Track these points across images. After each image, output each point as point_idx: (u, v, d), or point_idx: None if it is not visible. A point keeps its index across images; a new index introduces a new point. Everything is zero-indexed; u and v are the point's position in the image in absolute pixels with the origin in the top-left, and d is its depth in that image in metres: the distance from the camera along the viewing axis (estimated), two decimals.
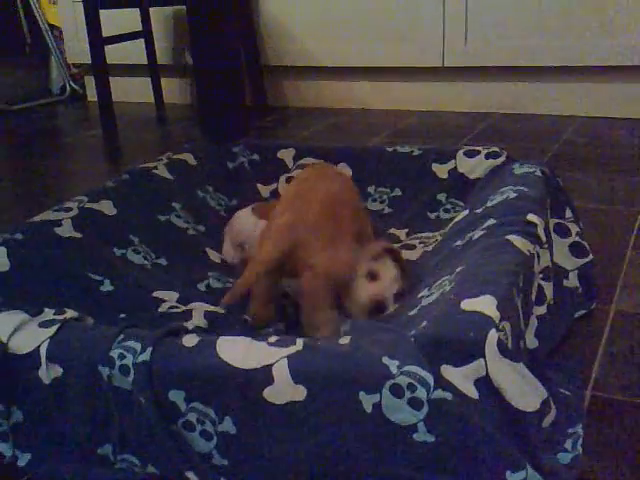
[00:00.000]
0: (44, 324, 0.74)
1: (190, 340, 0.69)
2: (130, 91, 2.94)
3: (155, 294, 1.00)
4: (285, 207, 1.01)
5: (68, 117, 2.94)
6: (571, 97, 2.25)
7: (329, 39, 2.51)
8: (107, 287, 0.98)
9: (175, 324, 0.75)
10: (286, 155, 1.47)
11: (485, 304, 0.70)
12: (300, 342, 0.67)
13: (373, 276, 0.96)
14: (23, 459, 0.74)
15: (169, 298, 0.99)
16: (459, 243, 0.97)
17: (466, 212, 1.12)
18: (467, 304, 0.71)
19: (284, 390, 0.64)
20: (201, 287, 1.09)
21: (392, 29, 2.40)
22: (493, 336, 0.66)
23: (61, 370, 0.71)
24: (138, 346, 0.68)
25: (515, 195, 1.02)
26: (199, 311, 0.93)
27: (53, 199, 1.74)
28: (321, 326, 0.88)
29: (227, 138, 1.64)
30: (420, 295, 0.88)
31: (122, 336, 0.70)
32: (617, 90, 2.19)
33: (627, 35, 2.09)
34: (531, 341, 0.87)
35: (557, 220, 1.12)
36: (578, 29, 2.15)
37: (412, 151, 1.39)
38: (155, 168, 1.30)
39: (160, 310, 0.96)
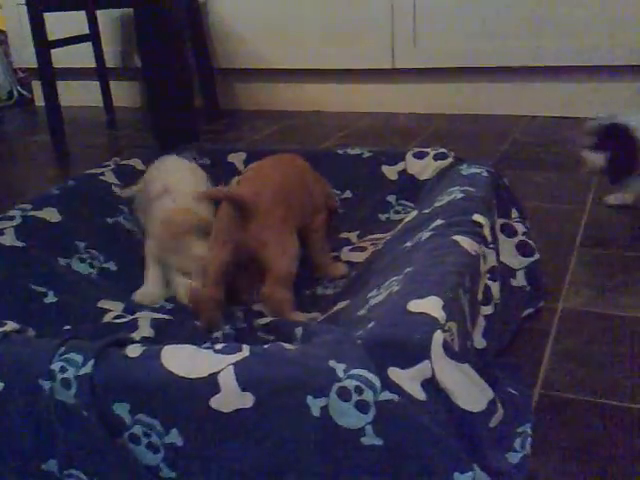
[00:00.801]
0: None
1: (134, 350, 0.67)
2: (79, 95, 2.89)
3: (100, 304, 0.98)
4: (242, 188, 1.04)
5: (16, 122, 2.88)
6: (518, 97, 2.28)
7: (280, 41, 2.50)
8: (51, 299, 0.96)
9: (119, 334, 0.73)
10: (236, 159, 1.46)
11: (431, 305, 0.71)
12: (246, 348, 0.66)
13: None
14: None
15: (115, 308, 0.97)
16: (408, 244, 0.98)
17: (415, 213, 1.13)
18: (413, 305, 0.71)
19: (231, 398, 0.63)
20: None
21: (343, 31, 2.41)
22: (439, 337, 0.66)
23: (2, 384, 0.69)
24: (80, 358, 0.66)
25: (462, 195, 1.03)
26: (145, 319, 0.92)
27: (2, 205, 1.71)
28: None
29: (177, 142, 1.62)
30: (369, 295, 0.88)
31: (63, 348, 0.68)
32: (563, 90, 2.23)
33: (566, 37, 2.14)
34: (479, 341, 0.88)
35: (504, 220, 1.14)
36: (522, 31, 2.19)
37: (362, 153, 1.40)
38: (102, 174, 1.28)
39: (105, 320, 0.94)
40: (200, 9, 2.50)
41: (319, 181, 1.16)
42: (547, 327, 1.02)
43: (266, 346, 0.69)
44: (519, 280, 1.10)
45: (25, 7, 2.30)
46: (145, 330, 0.89)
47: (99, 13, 2.63)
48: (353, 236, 1.27)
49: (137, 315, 0.93)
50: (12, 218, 1.06)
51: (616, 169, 1.31)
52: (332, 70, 2.49)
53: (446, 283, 0.76)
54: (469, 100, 2.35)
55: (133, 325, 0.89)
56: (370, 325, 0.71)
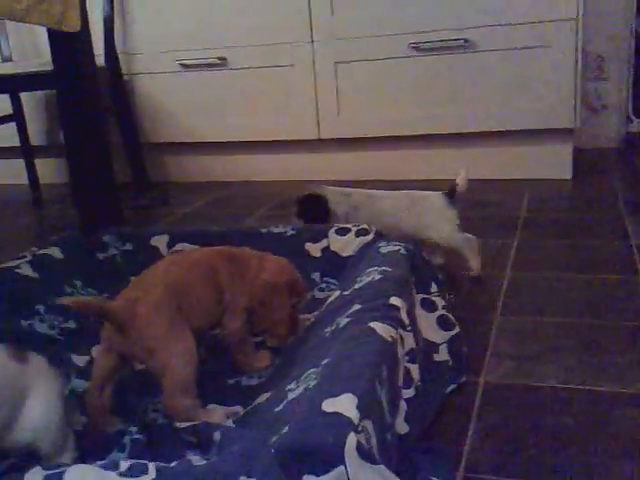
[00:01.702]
0: None
1: (34, 476, 0.64)
2: (4, 173, 2.84)
3: None
4: (133, 286, 0.99)
5: None
6: (440, 162, 2.35)
7: (207, 115, 2.53)
8: None
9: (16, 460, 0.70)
10: (160, 242, 1.45)
11: (345, 404, 0.70)
12: (153, 468, 0.64)
13: None
14: None
15: None
16: (329, 329, 0.98)
17: (337, 293, 1.14)
18: (328, 404, 0.71)
19: None
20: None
21: (268, 104, 2.45)
22: (352, 440, 0.66)
23: None
24: None
25: (380, 277, 1.04)
26: None
27: None
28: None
29: (101, 219, 1.60)
30: (287, 388, 0.88)
31: None
32: (484, 153, 2.31)
33: (485, 102, 2.23)
34: (401, 426, 0.88)
35: (423, 295, 1.15)
36: (438, 98, 2.27)
37: (286, 231, 1.41)
38: (18, 267, 1.25)
39: None
40: (125, 86, 2.51)
41: (246, 283, 1.07)
42: (469, 403, 1.02)
43: (174, 464, 0.67)
44: (442, 354, 1.11)
45: None
46: None
47: (23, 93, 2.61)
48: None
49: None
50: None
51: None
52: (260, 142, 2.52)
53: (361, 377, 0.76)
54: (393, 166, 2.40)
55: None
56: (284, 430, 0.69)
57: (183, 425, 0.86)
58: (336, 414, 0.69)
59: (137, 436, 0.87)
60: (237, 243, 1.39)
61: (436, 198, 1.50)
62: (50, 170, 2.79)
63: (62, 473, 0.65)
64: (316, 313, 1.18)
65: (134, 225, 1.89)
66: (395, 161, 2.40)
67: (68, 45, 1.51)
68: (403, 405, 0.90)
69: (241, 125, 2.50)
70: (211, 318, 1.01)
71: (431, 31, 2.19)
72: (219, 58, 2.44)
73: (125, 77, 2.52)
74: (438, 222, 1.48)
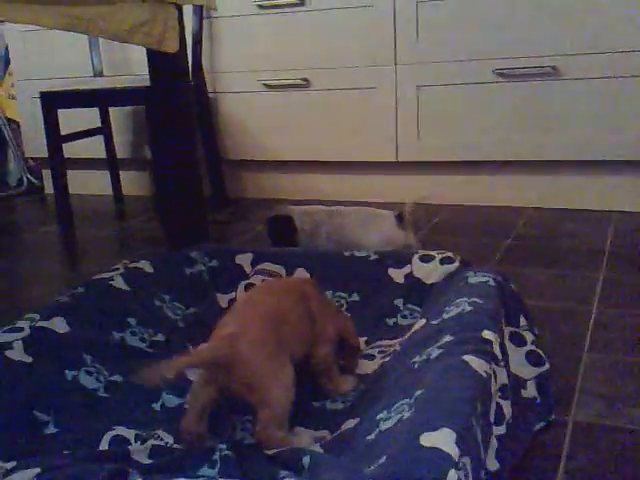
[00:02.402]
0: None
1: None
2: (89, 184, 2.95)
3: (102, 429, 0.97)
4: (229, 319, 0.99)
5: (25, 211, 2.92)
6: (521, 189, 2.32)
7: (285, 134, 2.56)
8: (51, 430, 0.95)
9: (117, 466, 0.71)
10: (244, 260, 1.47)
11: (444, 439, 0.70)
12: None
13: None
14: None
15: (118, 433, 0.96)
16: (417, 359, 0.97)
17: (423, 322, 1.13)
18: (426, 439, 0.70)
19: None
20: (156, 407, 1.07)
21: (347, 125, 2.47)
22: (453, 476, 0.65)
23: None
24: None
25: (470, 308, 1.03)
26: (144, 450, 0.89)
27: (7, 304, 1.71)
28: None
29: (187, 234, 1.64)
30: (379, 417, 0.87)
31: None
32: (566, 182, 2.27)
33: (571, 131, 2.19)
34: (492, 463, 0.86)
35: (512, 329, 1.13)
36: (521, 124, 2.24)
37: (369, 255, 1.41)
38: (111, 279, 1.29)
39: (101, 448, 0.92)
40: (210, 104, 2.57)
41: (331, 313, 1.10)
42: (559, 443, 1.00)
43: None
44: (530, 391, 1.08)
45: (38, 100, 2.37)
46: (141, 458, 0.86)
47: (112, 107, 2.71)
48: (361, 342, 1.26)
49: (135, 447, 0.90)
50: (20, 330, 1.07)
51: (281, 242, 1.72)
52: (337, 162, 2.54)
53: (458, 412, 0.75)
54: (471, 192, 2.38)
55: (126, 455, 0.87)
56: (382, 460, 0.69)
57: (271, 452, 0.86)
58: (435, 449, 0.68)
59: (227, 452, 0.88)
60: (319, 264, 1.42)
61: (388, 218, 1.66)
62: (133, 183, 2.88)
63: None
64: (400, 340, 1.18)
65: (213, 240, 1.93)
66: (473, 186, 2.38)
67: (165, 64, 1.56)
68: (494, 442, 0.88)
69: (319, 145, 2.52)
70: (305, 346, 1.02)
71: (517, 57, 2.17)
72: (302, 79, 2.47)
73: (210, 95, 2.58)
74: (386, 239, 1.63)
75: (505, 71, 2.20)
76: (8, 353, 1.01)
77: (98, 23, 1.21)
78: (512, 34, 2.17)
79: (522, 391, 1.07)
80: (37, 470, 0.69)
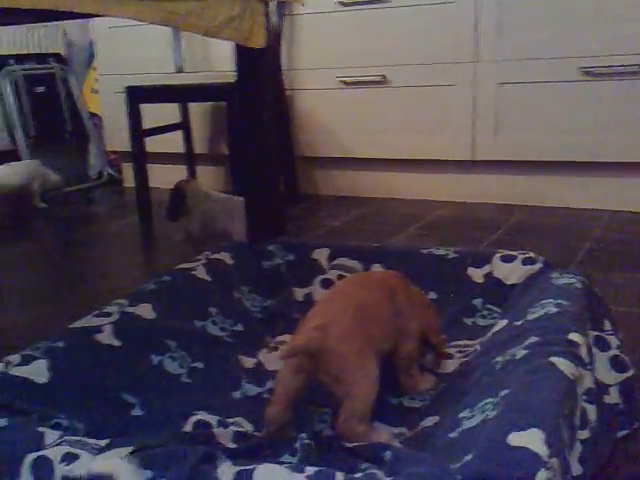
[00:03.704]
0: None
1: (226, 472, 0.67)
2: (167, 178, 3.01)
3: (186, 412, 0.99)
4: (319, 311, 1.00)
5: (105, 203, 3.02)
6: (600, 192, 2.25)
7: (360, 132, 2.57)
8: (137, 412, 0.98)
9: (203, 449, 0.72)
10: (321, 255, 1.48)
11: (533, 439, 0.69)
12: (341, 477, 0.66)
13: None
14: None
15: (201, 417, 0.98)
16: (499, 359, 0.96)
17: (505, 322, 1.11)
18: (514, 438, 0.69)
19: None
20: (236, 395, 1.09)
21: (424, 123, 2.45)
22: (542, 476, 0.64)
23: None
24: None
25: (556, 310, 1.01)
26: (227, 433, 0.91)
27: (92, 290, 1.78)
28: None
29: (264, 232, 1.66)
30: (461, 415, 0.87)
31: (152, 473, 0.68)
32: None
33: None
34: (575, 467, 0.84)
35: (596, 333, 1.10)
36: (605, 126, 2.17)
37: (447, 254, 1.39)
38: (194, 269, 1.32)
39: (185, 429, 0.94)
40: (287, 101, 2.60)
41: (417, 308, 1.09)
42: None
43: (359, 475, 0.68)
44: (613, 397, 1.05)
45: (121, 95, 2.45)
46: (226, 441, 0.88)
47: (191, 104, 2.77)
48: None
49: (218, 431, 0.92)
50: (109, 314, 1.11)
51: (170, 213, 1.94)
52: (411, 160, 2.52)
53: (547, 413, 0.74)
54: (548, 192, 2.33)
55: (211, 438, 0.89)
56: (468, 458, 0.69)
57: (351, 445, 0.87)
58: (524, 449, 0.67)
59: (307, 442, 0.89)
60: (397, 261, 1.41)
61: (241, 204, 1.71)
62: (210, 177, 2.93)
63: (252, 470, 0.67)
64: (480, 340, 1.17)
65: (287, 235, 1.96)
66: (549, 187, 2.33)
67: (251, 59, 1.58)
68: (578, 446, 0.86)
69: (395, 143, 2.52)
70: (391, 341, 1.02)
71: (604, 56, 2.11)
72: (380, 76, 2.47)
73: (287, 92, 2.61)
74: (237, 223, 1.76)
75: (591, 69, 2.14)
76: (98, 337, 1.04)
77: (191, 18, 1.24)
78: (599, 32, 2.11)
79: (605, 397, 1.05)
80: (130, 449, 0.71)
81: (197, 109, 2.84)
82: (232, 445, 0.89)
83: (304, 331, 0.94)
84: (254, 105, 1.69)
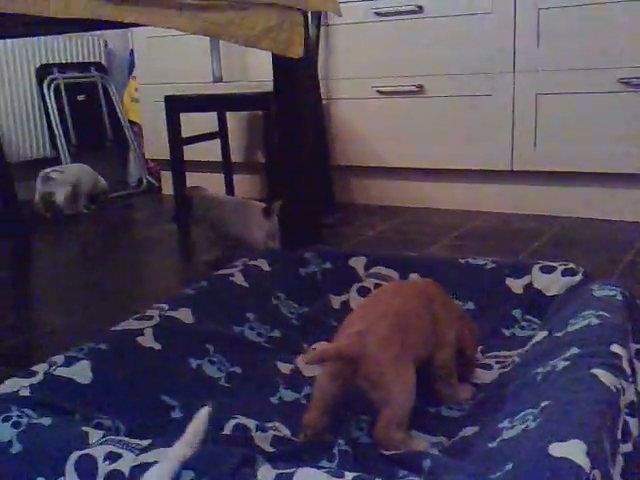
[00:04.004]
0: None
1: (266, 475, 0.68)
2: (203, 186, 3.05)
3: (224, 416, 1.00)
4: (357, 317, 1.01)
5: (144, 210, 3.06)
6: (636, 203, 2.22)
7: (398, 141, 2.57)
8: (177, 414, 0.99)
9: (244, 451, 0.73)
10: (357, 263, 1.49)
11: (575, 450, 0.68)
12: None
13: None
14: None
15: (240, 421, 0.99)
16: (540, 370, 0.95)
17: (545, 333, 1.10)
18: (555, 449, 0.69)
19: None
20: (274, 400, 1.09)
21: (461, 133, 2.44)
22: None
23: None
24: None
25: (598, 322, 1.00)
26: (266, 438, 0.92)
27: (131, 296, 1.81)
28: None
29: (300, 240, 1.68)
30: (500, 425, 0.86)
31: (193, 474, 0.68)
32: None
33: None
34: None
35: (638, 346, 1.09)
36: None
37: (485, 264, 1.39)
38: (232, 275, 1.34)
39: (226, 430, 0.96)
40: (323, 109, 2.62)
41: (453, 317, 1.08)
42: None
43: None
44: None
45: (161, 103, 2.49)
46: (264, 445, 0.89)
47: (228, 112, 2.80)
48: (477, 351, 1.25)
49: (257, 435, 0.93)
50: (150, 318, 1.12)
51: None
52: (448, 170, 2.52)
53: (588, 424, 0.73)
54: (588, 204, 2.30)
55: (249, 441, 0.90)
56: (508, 467, 0.68)
57: (389, 453, 0.87)
58: (567, 459, 0.67)
59: (345, 448, 0.89)
60: (434, 270, 1.41)
61: (256, 209, 1.86)
62: (246, 186, 2.96)
63: (292, 473, 0.68)
64: (520, 352, 1.16)
65: (322, 243, 1.97)
66: (589, 198, 2.30)
67: (289, 69, 1.60)
68: (620, 460, 0.85)
69: (431, 152, 2.51)
70: (428, 349, 1.02)
71: None
72: (416, 86, 2.47)
73: (323, 101, 2.62)
74: (252, 227, 1.84)
75: (631, 80, 2.11)
76: (139, 339, 1.06)
77: (230, 28, 1.26)
78: (639, 42, 2.08)
79: None
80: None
81: (234, 118, 2.87)
82: (270, 449, 0.89)
83: (343, 337, 0.95)
84: (291, 114, 1.71)
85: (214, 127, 2.80)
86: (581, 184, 2.31)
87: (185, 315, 1.16)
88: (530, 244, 2.06)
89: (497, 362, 1.18)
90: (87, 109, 3.28)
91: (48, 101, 3.11)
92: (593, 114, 2.21)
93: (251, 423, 0.98)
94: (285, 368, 1.19)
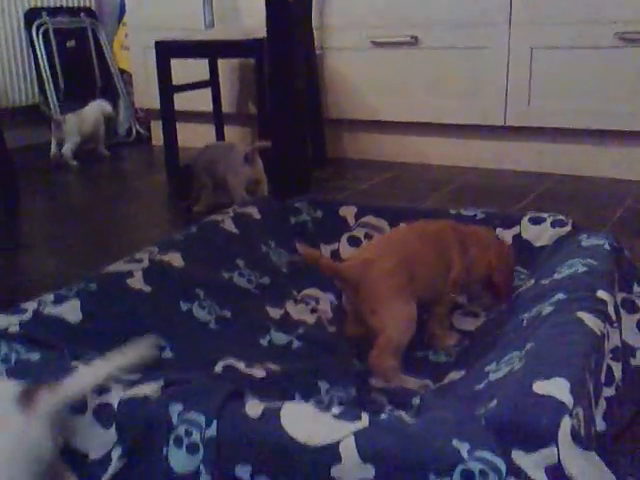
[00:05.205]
0: None
1: (254, 408, 0.69)
2: (193, 137, 3.02)
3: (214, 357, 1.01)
4: (367, 247, 1.09)
5: (133, 160, 3.03)
6: (634, 161, 2.22)
7: (390, 94, 2.54)
8: (168, 354, 1.01)
9: (232, 385, 0.74)
10: (348, 212, 1.48)
11: (558, 388, 0.69)
12: (365, 417, 0.67)
13: None
14: None
15: (229, 363, 1.00)
16: (526, 316, 0.96)
17: (532, 282, 1.11)
18: (539, 386, 0.70)
19: (352, 469, 0.64)
20: (264, 342, 1.11)
21: (454, 86, 2.42)
22: (566, 423, 0.65)
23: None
24: (202, 419, 0.68)
25: (584, 269, 1.01)
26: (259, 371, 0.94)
27: (121, 244, 1.80)
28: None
29: (290, 190, 1.67)
30: (487, 369, 0.87)
31: (182, 406, 0.69)
32: None
33: None
34: (599, 423, 0.85)
35: (624, 295, 1.10)
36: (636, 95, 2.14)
37: (475, 215, 1.39)
38: (222, 222, 1.34)
39: (216, 370, 0.97)
40: (316, 61, 2.58)
41: (467, 260, 1.09)
42: None
43: (385, 416, 0.69)
44: (639, 359, 1.05)
45: (151, 50, 2.45)
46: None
47: (220, 61, 2.75)
48: (463, 299, 1.26)
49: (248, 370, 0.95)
50: (140, 261, 1.12)
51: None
52: (440, 124, 2.50)
53: (572, 365, 0.74)
54: (580, 161, 2.30)
55: (239, 378, 0.91)
56: (493, 404, 0.70)
57: (379, 384, 0.88)
58: (549, 397, 0.68)
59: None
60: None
61: (238, 153, 1.87)
62: (237, 137, 2.93)
63: (280, 408, 0.69)
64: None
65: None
66: (582, 156, 2.30)
67: (282, 15, 1.57)
68: (603, 403, 0.87)
69: (424, 106, 2.49)
70: (435, 291, 1.04)
71: (639, 21, 2.06)
72: (411, 37, 2.43)
73: (317, 52, 2.58)
74: (234, 171, 1.86)
75: (628, 35, 2.09)
76: (129, 281, 1.06)
77: None
78: None
79: (631, 359, 1.04)
80: (161, 382, 0.73)
81: (226, 67, 2.82)
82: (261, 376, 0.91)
83: (349, 262, 0.99)
84: (284, 62, 1.68)
85: (205, 76, 2.76)
86: (574, 141, 2.30)
87: (175, 259, 1.16)
88: (520, 200, 2.06)
89: (484, 310, 1.19)
90: (77, 56, 3.21)
91: (37, 46, 3.04)
92: (588, 70, 2.19)
93: (240, 364, 0.99)
94: (275, 312, 1.20)
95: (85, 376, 0.72)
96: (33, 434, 0.67)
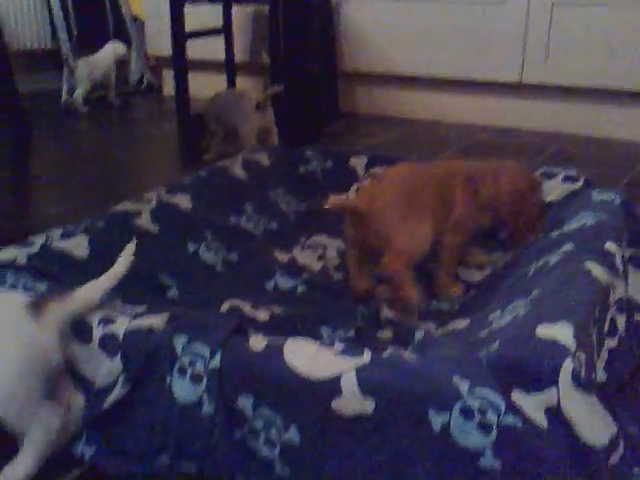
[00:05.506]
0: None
1: (257, 342, 0.69)
2: (205, 86, 2.99)
3: (220, 297, 1.02)
4: (371, 182, 1.10)
5: (144, 109, 3.02)
6: None
7: (407, 47, 2.50)
8: (174, 293, 1.02)
9: (238, 319, 0.75)
10: (358, 163, 1.48)
11: (562, 331, 0.69)
12: (367, 353, 0.67)
13: None
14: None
15: (235, 304, 1.01)
16: (532, 266, 0.96)
17: (540, 235, 1.11)
18: (543, 330, 0.70)
19: (352, 402, 0.64)
20: (269, 286, 1.11)
21: (472, 41, 2.38)
22: (568, 365, 0.65)
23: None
24: (206, 351, 0.69)
25: (593, 222, 1.00)
26: (264, 313, 0.95)
27: (130, 188, 1.80)
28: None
29: (299, 140, 1.66)
30: (491, 316, 0.87)
31: (186, 338, 0.70)
32: None
33: None
34: (601, 374, 0.85)
35: (633, 250, 1.09)
36: None
37: None
38: (231, 167, 1.33)
39: (222, 310, 0.98)
40: (332, 10, 2.53)
41: (476, 202, 1.08)
42: None
43: (387, 353, 0.70)
44: None
45: None
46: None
47: (233, 8, 2.71)
48: (472, 251, 1.25)
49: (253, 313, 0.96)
50: (149, 201, 1.12)
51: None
52: (455, 80, 2.46)
53: (577, 311, 0.74)
54: (596, 122, 2.27)
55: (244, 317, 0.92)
56: (495, 344, 0.70)
57: (387, 315, 0.89)
58: (552, 339, 0.68)
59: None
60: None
61: (250, 101, 1.84)
62: (248, 87, 2.90)
63: (283, 343, 0.69)
64: (513, 252, 1.16)
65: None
66: (598, 116, 2.26)
67: None
68: (605, 353, 0.87)
69: (440, 60, 2.45)
70: (440, 228, 1.04)
71: None
72: None
73: (333, 1, 2.54)
74: (244, 118, 1.84)
75: None
76: (137, 221, 1.07)
77: None
78: None
79: (635, 314, 1.04)
80: (167, 314, 0.74)
81: (239, 14, 2.78)
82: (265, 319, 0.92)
83: (356, 196, 1.03)
84: (298, 10, 1.66)
85: (218, 25, 2.72)
86: (592, 101, 2.26)
87: (183, 200, 1.16)
88: (532, 159, 2.04)
89: (489, 263, 1.18)
90: (89, 1, 3.17)
91: None
92: (608, 28, 2.14)
93: (246, 305, 0.99)
94: (282, 257, 1.20)
95: (92, 289, 0.75)
96: (42, 342, 0.69)
